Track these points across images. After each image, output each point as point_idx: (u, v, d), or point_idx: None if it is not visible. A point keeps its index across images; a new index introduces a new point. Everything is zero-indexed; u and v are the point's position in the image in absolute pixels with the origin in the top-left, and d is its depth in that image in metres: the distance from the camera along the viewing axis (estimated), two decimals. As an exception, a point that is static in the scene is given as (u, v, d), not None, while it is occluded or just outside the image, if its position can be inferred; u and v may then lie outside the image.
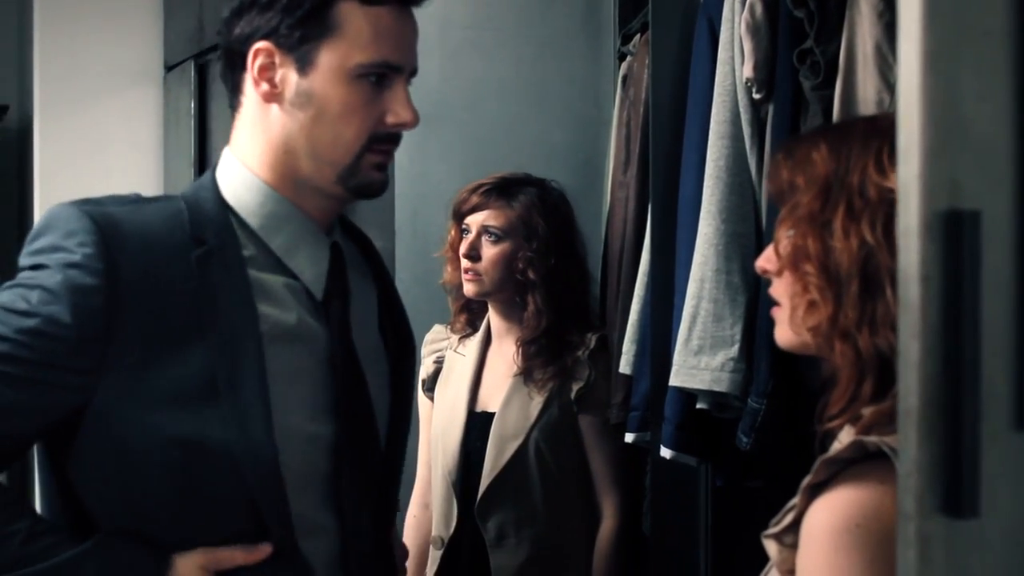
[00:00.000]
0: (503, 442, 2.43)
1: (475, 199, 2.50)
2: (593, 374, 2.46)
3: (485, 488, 2.42)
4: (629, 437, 2.34)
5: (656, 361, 2.21)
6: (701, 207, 2.03)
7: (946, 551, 0.84)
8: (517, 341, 2.48)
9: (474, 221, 2.49)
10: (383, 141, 1.51)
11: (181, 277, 1.42)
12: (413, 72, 1.54)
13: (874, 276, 1.18)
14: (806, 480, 1.16)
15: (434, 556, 2.49)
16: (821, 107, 1.84)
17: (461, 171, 2.89)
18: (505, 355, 2.52)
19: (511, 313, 2.52)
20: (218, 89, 3.91)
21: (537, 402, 2.44)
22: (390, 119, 1.50)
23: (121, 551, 1.41)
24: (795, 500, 1.18)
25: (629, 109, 2.58)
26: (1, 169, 4.63)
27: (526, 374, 2.47)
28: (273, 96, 1.49)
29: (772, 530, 1.20)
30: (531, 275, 2.45)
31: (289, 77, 1.48)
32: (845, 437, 1.21)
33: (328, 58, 1.46)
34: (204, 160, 4.07)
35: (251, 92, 1.51)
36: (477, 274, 2.47)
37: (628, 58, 2.68)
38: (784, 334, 1.27)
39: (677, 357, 2.03)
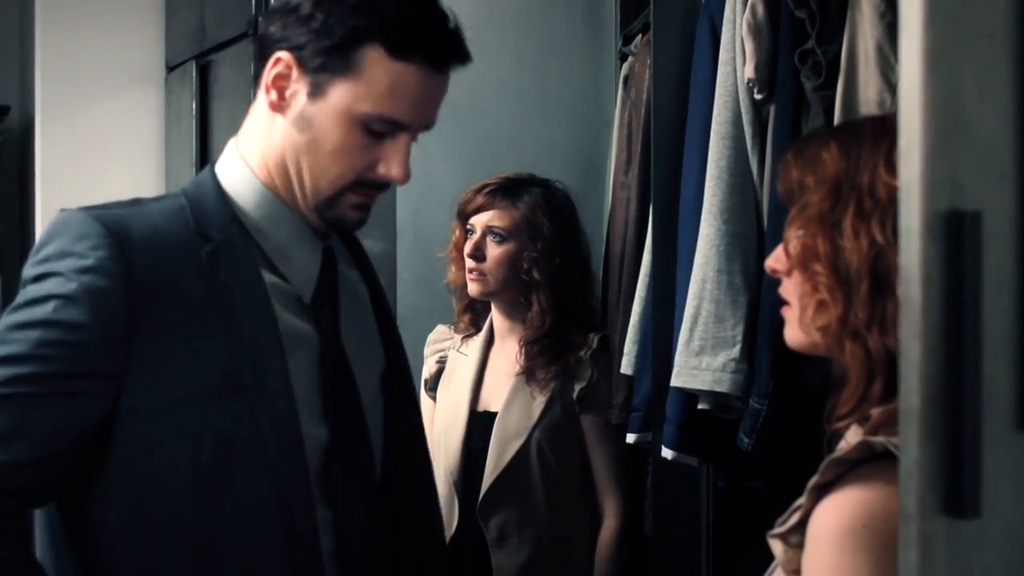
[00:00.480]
0: (505, 442, 2.43)
1: (480, 199, 2.50)
2: (595, 374, 2.46)
3: (487, 488, 2.42)
4: (631, 438, 2.34)
5: (657, 362, 2.21)
6: (702, 207, 2.02)
7: (947, 552, 0.84)
8: (520, 341, 2.48)
9: (479, 221, 2.49)
10: (368, 186, 1.50)
11: (192, 274, 1.43)
12: (428, 126, 1.53)
13: (884, 276, 1.18)
14: (813, 480, 1.16)
15: (435, 556, 2.49)
16: (822, 108, 1.84)
17: (463, 171, 2.89)
18: (508, 355, 2.52)
19: (515, 313, 2.52)
20: (219, 89, 3.90)
21: (539, 402, 2.45)
22: (381, 170, 1.48)
23: None
24: (801, 500, 1.17)
25: (631, 110, 2.58)
26: (3, 169, 4.63)
27: (528, 374, 2.47)
28: (279, 108, 1.49)
29: (778, 530, 1.20)
30: (536, 275, 2.45)
31: (299, 96, 1.47)
32: (852, 437, 1.20)
33: (338, 95, 1.45)
34: (205, 160, 4.07)
35: (263, 93, 1.51)
36: (482, 274, 2.47)
37: (630, 59, 2.68)
38: (794, 334, 1.27)
39: (678, 358, 2.03)
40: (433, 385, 2.62)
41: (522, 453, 2.42)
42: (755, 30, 1.95)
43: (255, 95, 1.54)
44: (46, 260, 1.40)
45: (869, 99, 1.75)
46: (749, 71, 1.96)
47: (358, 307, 1.64)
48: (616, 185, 2.64)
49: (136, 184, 4.35)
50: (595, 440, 2.47)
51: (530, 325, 2.47)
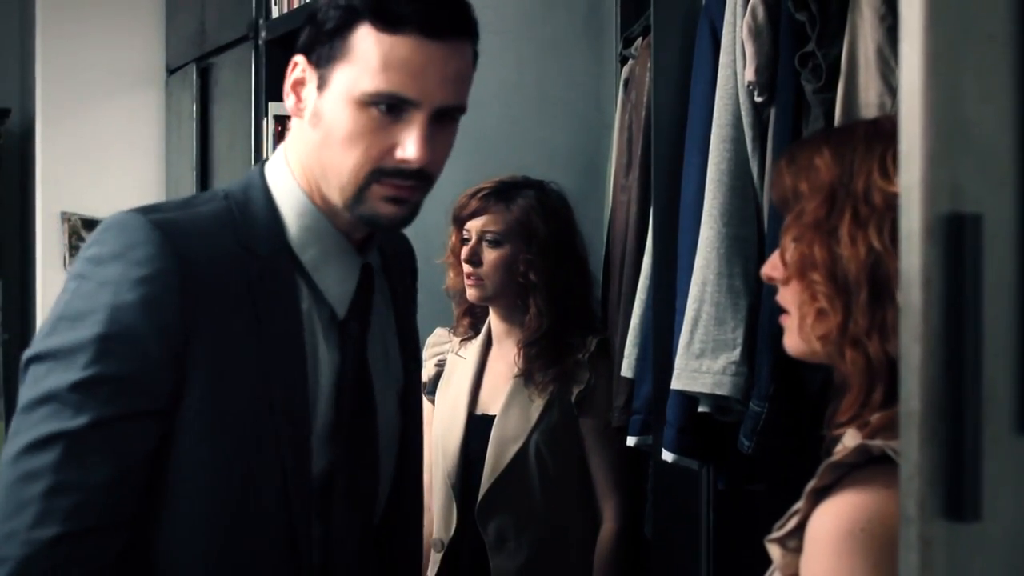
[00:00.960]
0: (503, 445, 2.43)
1: (474, 204, 2.50)
2: (593, 377, 2.46)
3: (485, 491, 2.42)
4: (631, 440, 2.34)
5: (658, 364, 2.21)
6: (703, 210, 2.02)
7: (948, 555, 0.84)
8: (518, 343, 2.48)
9: (474, 226, 2.49)
10: (392, 175, 1.45)
11: (237, 293, 1.43)
12: (451, 109, 1.46)
13: (883, 283, 1.18)
14: (810, 484, 1.16)
15: (434, 559, 2.49)
16: (823, 110, 1.84)
17: (463, 174, 2.88)
18: (506, 358, 2.52)
19: (512, 316, 2.52)
20: (220, 92, 3.90)
21: (537, 405, 2.44)
22: (397, 153, 1.44)
23: None
24: (799, 504, 1.17)
25: (631, 112, 2.58)
26: (3, 172, 4.63)
27: (526, 376, 2.47)
28: (299, 111, 1.49)
29: (776, 534, 1.19)
30: (532, 278, 2.45)
31: (311, 94, 1.47)
32: (850, 441, 1.20)
33: (339, 81, 1.44)
34: (206, 163, 4.06)
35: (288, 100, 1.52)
36: (479, 279, 2.48)
37: (630, 61, 2.68)
38: (793, 342, 1.27)
39: (679, 360, 2.03)
40: (432, 388, 2.62)
41: (520, 456, 2.42)
42: (755, 33, 1.95)
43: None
44: (101, 263, 1.39)
45: (869, 102, 1.75)
46: (749, 74, 1.96)
47: (384, 322, 1.62)
48: (616, 188, 2.64)
49: (136, 187, 4.36)
50: (593, 443, 2.47)
51: (527, 328, 2.47)
